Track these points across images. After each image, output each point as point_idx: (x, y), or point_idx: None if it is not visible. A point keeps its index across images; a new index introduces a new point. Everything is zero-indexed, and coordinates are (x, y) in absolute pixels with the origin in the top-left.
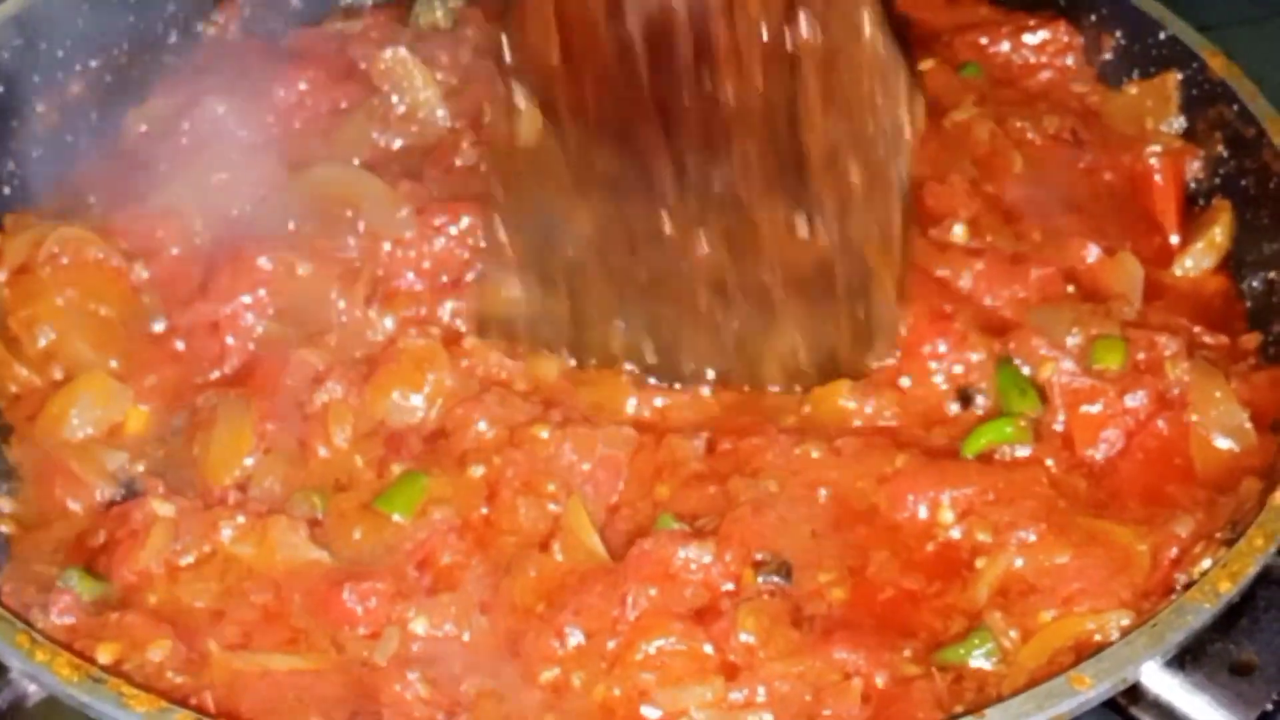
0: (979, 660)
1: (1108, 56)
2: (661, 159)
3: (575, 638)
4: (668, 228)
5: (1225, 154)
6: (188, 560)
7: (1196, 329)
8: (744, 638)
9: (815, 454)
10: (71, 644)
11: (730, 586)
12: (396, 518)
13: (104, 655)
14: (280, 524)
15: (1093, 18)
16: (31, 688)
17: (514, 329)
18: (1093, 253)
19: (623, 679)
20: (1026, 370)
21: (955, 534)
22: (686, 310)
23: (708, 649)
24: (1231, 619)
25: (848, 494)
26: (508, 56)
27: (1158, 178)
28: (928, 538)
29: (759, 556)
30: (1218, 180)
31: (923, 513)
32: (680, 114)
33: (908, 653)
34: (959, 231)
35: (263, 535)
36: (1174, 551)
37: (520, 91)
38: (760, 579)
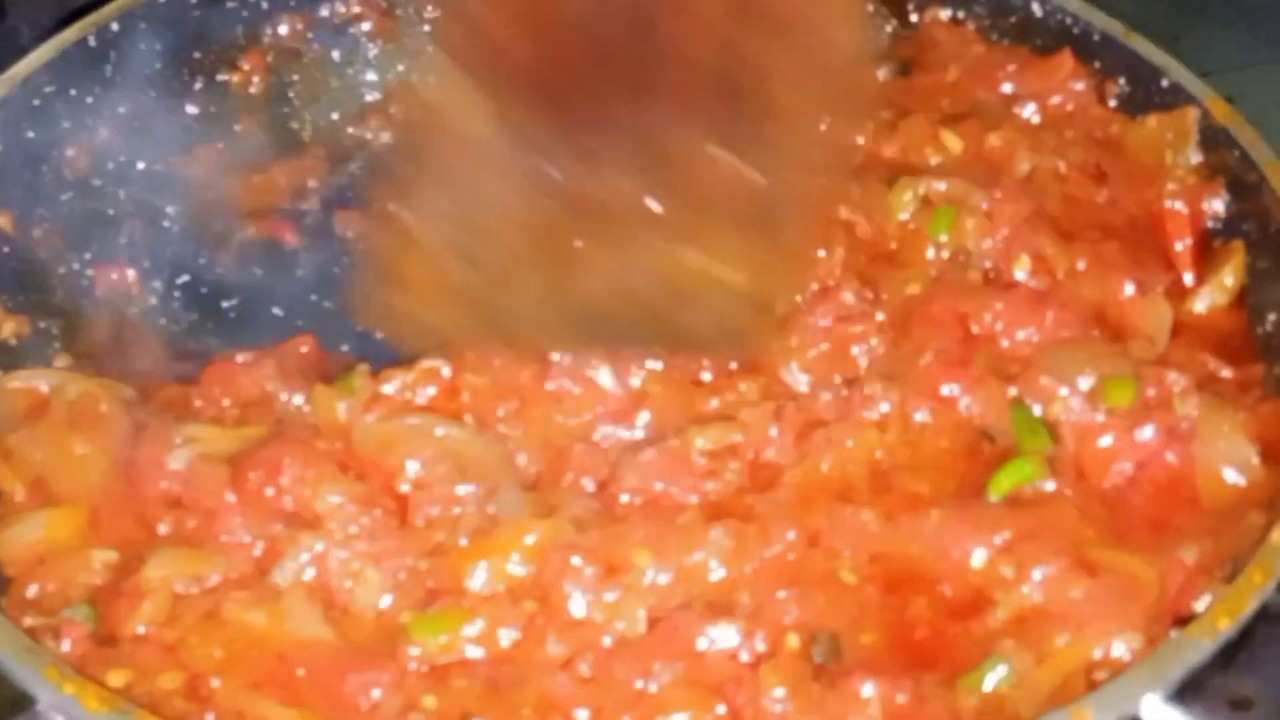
0: (994, 684)
1: (1112, 104)
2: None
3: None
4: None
5: (1228, 198)
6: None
7: (1212, 364)
8: (776, 695)
9: (864, 516)
10: (83, 670)
11: (747, 658)
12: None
13: (115, 679)
14: (298, 594)
15: (1095, 65)
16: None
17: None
18: (1128, 290)
19: None
20: (1037, 409)
21: (982, 572)
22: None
23: (721, 709)
24: (1231, 655)
25: (895, 555)
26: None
27: (1176, 214)
28: (956, 579)
29: (802, 638)
30: (1219, 225)
31: (955, 555)
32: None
33: (928, 684)
34: (1025, 262)
35: (275, 603)
36: (1180, 579)
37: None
38: (816, 658)
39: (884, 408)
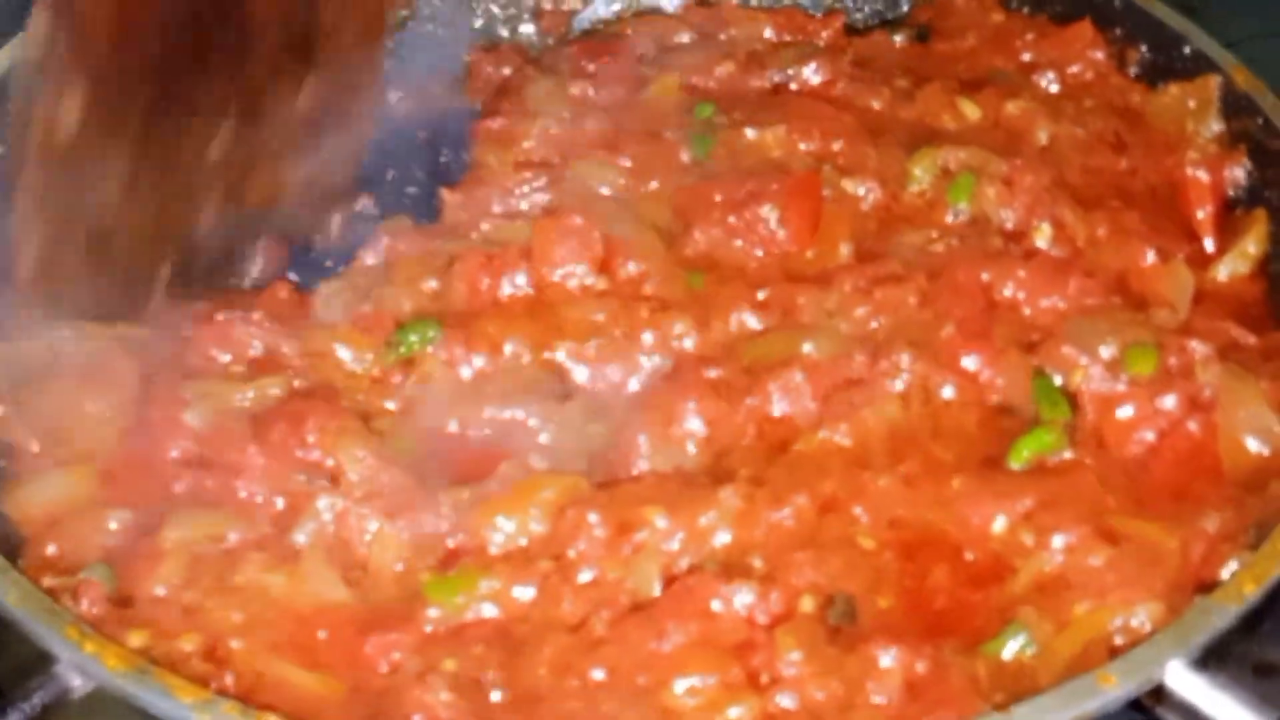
0: (1014, 652)
1: (1134, 70)
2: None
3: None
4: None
5: (1250, 166)
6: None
7: (1235, 331)
8: (792, 658)
9: (883, 482)
10: (101, 631)
11: (763, 620)
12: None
13: (133, 640)
14: (316, 555)
15: (1117, 32)
16: (76, 681)
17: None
18: (1149, 257)
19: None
20: (1058, 379)
21: (1002, 539)
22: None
23: (736, 672)
24: (1255, 621)
25: (914, 521)
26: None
27: (1198, 183)
28: (976, 546)
29: (818, 601)
30: (1241, 194)
31: (975, 521)
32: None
33: (947, 651)
34: (1046, 231)
35: (294, 565)
36: (1202, 548)
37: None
38: (832, 620)
39: (906, 377)
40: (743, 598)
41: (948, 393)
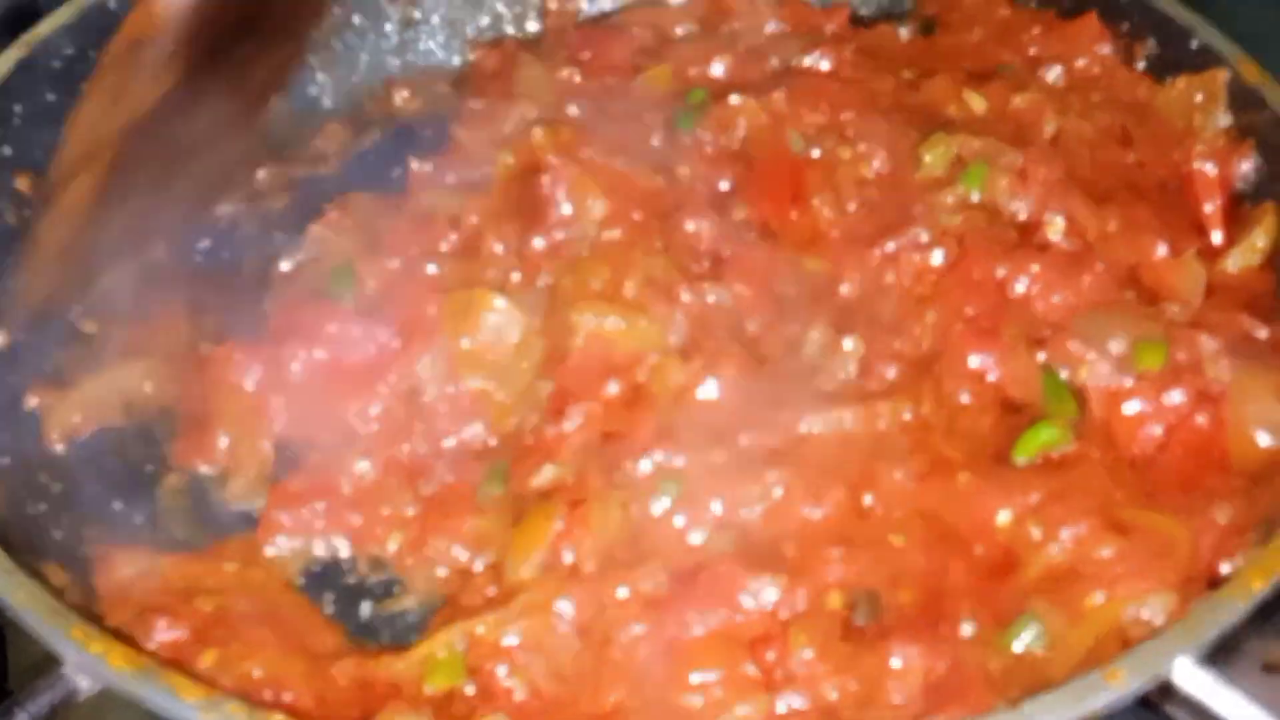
0: (1027, 644)
1: (1140, 65)
2: None
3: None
4: None
5: (1258, 160)
6: None
7: (1247, 323)
8: (804, 655)
9: (898, 475)
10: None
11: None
12: None
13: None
14: None
15: (1124, 26)
16: (83, 682)
17: None
18: (1161, 250)
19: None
20: (1065, 373)
21: (1009, 532)
22: None
23: (750, 669)
24: (1264, 617)
25: (929, 515)
26: None
27: (1205, 176)
28: (985, 540)
29: (847, 599)
30: (1249, 188)
31: (980, 516)
32: None
33: (963, 646)
34: (1059, 224)
35: None
36: (1212, 538)
37: None
38: (859, 621)
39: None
40: (769, 593)
41: (967, 402)
